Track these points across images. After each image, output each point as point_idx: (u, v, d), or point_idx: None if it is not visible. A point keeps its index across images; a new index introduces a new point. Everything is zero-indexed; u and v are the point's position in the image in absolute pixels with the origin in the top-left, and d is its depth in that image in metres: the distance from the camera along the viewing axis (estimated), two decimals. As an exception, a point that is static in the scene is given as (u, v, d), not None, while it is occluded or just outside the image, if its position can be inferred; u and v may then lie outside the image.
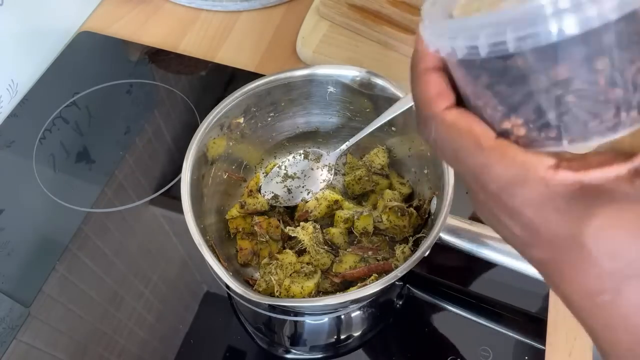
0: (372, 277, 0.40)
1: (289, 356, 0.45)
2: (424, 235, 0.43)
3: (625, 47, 0.16)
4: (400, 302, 0.45)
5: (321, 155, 0.49)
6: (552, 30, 0.15)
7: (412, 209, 0.45)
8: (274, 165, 0.50)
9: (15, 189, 0.54)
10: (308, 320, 0.46)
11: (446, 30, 0.17)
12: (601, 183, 0.18)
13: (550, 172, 0.18)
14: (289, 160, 0.49)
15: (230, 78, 0.61)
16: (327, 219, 0.47)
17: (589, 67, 0.16)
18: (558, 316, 0.45)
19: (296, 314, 0.45)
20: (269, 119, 0.48)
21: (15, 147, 0.57)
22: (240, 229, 0.46)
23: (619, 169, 0.18)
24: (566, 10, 0.15)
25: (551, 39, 0.15)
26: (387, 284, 0.35)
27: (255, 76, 0.46)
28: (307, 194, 0.47)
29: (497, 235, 0.39)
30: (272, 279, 0.42)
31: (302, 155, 0.50)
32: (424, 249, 0.36)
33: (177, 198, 0.40)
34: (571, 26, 0.15)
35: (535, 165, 0.18)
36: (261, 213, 0.47)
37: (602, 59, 0.16)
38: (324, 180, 0.48)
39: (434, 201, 0.42)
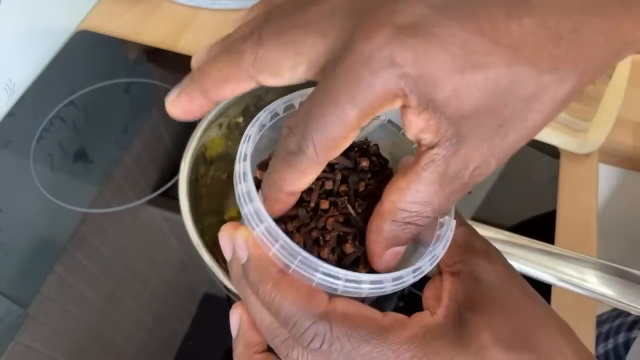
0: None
1: (288, 357, 0.44)
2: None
3: None
4: (402, 303, 0.45)
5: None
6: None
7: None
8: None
9: (12, 189, 0.53)
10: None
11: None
12: None
13: None
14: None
15: (229, 77, 0.60)
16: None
17: None
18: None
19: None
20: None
21: (12, 147, 0.56)
22: (240, 230, 0.46)
23: None
24: None
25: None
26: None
27: (254, 75, 0.45)
28: (307, 194, 0.47)
29: (499, 237, 0.39)
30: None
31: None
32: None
33: (176, 198, 0.40)
34: None
35: None
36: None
37: None
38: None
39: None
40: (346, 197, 0.22)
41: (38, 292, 0.46)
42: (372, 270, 0.22)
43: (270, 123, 0.23)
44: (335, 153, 0.18)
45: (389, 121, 0.24)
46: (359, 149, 0.24)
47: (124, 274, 0.48)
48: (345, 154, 0.23)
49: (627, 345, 0.57)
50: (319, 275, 0.19)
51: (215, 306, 0.46)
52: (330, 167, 0.23)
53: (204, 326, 0.45)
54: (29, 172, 0.54)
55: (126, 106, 0.59)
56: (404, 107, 0.17)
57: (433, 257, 0.20)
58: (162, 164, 0.55)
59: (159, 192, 0.52)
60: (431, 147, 0.17)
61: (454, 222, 0.21)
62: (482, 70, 0.16)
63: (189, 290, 0.47)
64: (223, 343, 0.44)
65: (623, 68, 0.58)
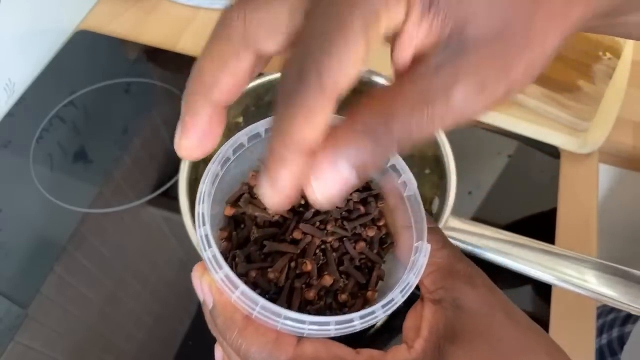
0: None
1: (288, 358, 0.44)
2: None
3: None
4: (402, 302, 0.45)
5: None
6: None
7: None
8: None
9: (12, 189, 0.53)
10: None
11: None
12: None
13: None
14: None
15: (229, 77, 0.60)
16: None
17: None
18: (560, 317, 0.44)
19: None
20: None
21: (12, 147, 0.56)
22: (239, 230, 0.46)
23: None
24: None
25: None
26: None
27: (254, 75, 0.45)
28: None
29: (499, 237, 0.39)
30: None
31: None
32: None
33: (176, 198, 0.40)
34: None
35: None
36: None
37: None
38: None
39: (436, 202, 0.42)
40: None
41: (38, 292, 0.46)
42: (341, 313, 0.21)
43: (235, 156, 0.22)
44: (342, 80, 0.14)
45: None
46: None
47: (124, 274, 0.48)
48: None
49: (620, 340, 0.57)
50: (282, 320, 0.18)
51: (215, 306, 0.46)
52: None
53: (204, 326, 0.45)
54: (29, 172, 0.54)
55: (126, 106, 0.59)
56: (403, 22, 0.15)
57: (405, 287, 0.20)
58: (161, 164, 0.55)
59: (159, 192, 0.52)
60: (429, 55, 0.15)
61: (428, 247, 0.20)
62: None
63: (189, 290, 0.47)
64: (223, 343, 0.44)
65: (623, 68, 0.58)
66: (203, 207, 0.20)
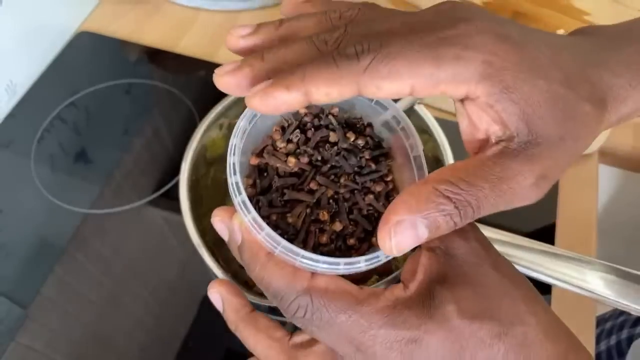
0: (373, 279, 0.40)
1: (289, 358, 0.44)
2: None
3: None
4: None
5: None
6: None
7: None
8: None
9: (13, 189, 0.53)
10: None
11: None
12: None
13: None
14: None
15: (229, 78, 0.60)
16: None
17: None
18: (560, 317, 0.44)
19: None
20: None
21: (13, 147, 0.56)
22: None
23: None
24: None
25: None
26: (388, 285, 0.35)
27: (254, 76, 0.46)
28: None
29: (498, 237, 0.39)
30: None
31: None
32: (425, 250, 0.36)
33: (177, 199, 0.40)
34: None
35: None
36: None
37: None
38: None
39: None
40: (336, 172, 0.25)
41: (38, 293, 0.46)
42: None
43: (260, 114, 0.25)
44: (386, 86, 0.18)
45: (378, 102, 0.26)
46: (353, 126, 0.26)
47: (125, 274, 0.48)
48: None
49: (630, 341, 0.57)
50: (299, 258, 0.21)
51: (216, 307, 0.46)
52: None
53: (204, 326, 0.45)
54: (30, 173, 0.54)
55: (127, 107, 0.59)
56: (468, 99, 0.19)
57: None
58: (162, 164, 0.55)
59: (160, 192, 0.52)
60: (502, 140, 0.19)
61: None
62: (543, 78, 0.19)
63: (190, 291, 0.47)
64: (223, 344, 0.44)
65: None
66: (234, 158, 0.23)
